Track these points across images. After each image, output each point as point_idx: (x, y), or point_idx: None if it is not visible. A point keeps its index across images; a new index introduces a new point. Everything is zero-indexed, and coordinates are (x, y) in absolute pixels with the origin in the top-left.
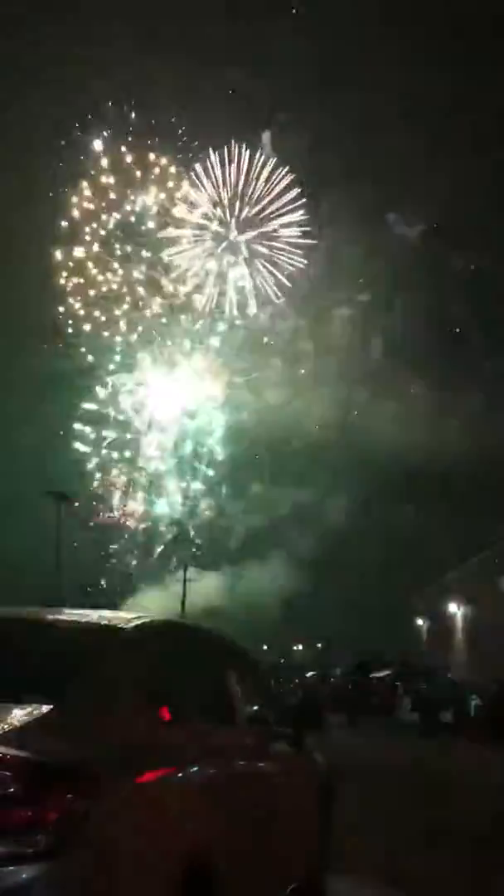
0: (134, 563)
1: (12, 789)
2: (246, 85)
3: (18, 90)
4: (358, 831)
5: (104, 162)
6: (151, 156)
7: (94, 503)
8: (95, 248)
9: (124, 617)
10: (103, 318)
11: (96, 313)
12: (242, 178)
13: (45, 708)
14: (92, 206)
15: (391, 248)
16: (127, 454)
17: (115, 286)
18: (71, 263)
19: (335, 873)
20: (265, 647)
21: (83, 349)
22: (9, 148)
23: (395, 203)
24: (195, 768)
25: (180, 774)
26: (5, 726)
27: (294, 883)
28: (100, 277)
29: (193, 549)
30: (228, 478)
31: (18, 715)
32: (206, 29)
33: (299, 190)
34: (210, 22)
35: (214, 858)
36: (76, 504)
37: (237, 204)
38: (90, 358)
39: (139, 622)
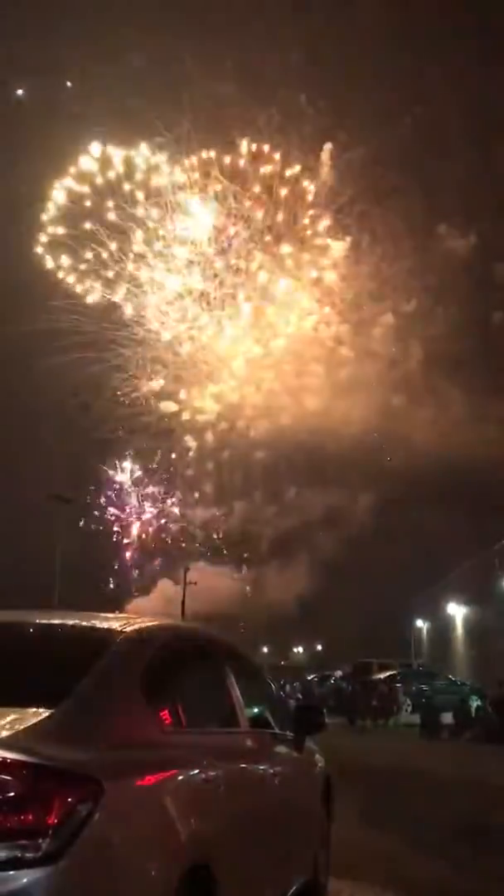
0: (136, 571)
1: (13, 793)
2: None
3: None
4: (359, 833)
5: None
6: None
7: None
8: None
9: (124, 619)
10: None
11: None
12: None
13: (45, 712)
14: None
15: (434, 258)
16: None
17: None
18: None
19: (337, 875)
20: (265, 650)
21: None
22: None
23: (440, 215)
24: (196, 771)
25: (181, 778)
26: (5, 730)
27: (296, 885)
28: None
29: (198, 545)
30: (263, 481)
31: (18, 719)
32: (263, 54)
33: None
34: (266, 46)
35: (217, 861)
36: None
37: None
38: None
39: (139, 625)
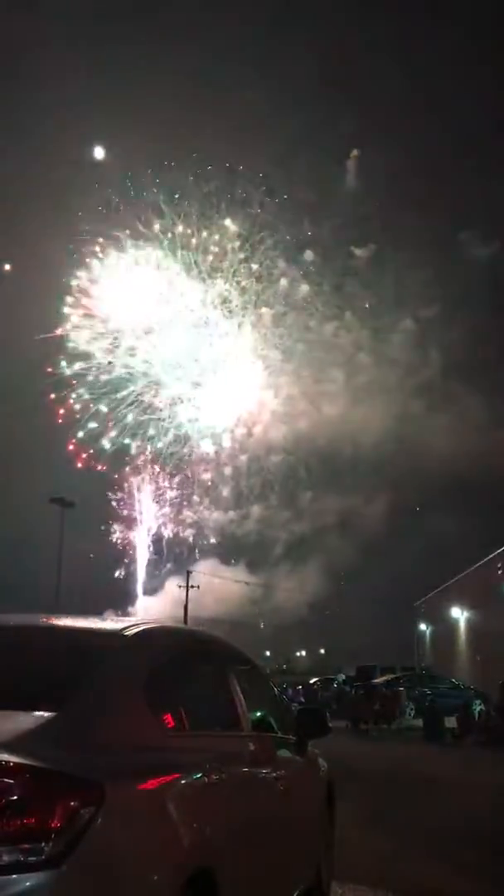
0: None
1: (16, 797)
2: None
3: None
4: (362, 836)
5: None
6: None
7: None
8: None
9: (127, 622)
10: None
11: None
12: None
13: (48, 715)
14: None
15: (454, 265)
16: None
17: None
18: None
19: (339, 878)
20: (268, 653)
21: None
22: None
23: (461, 223)
24: (199, 775)
25: (184, 781)
26: (8, 733)
27: (299, 889)
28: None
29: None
30: (279, 486)
31: (21, 722)
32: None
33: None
34: (298, 60)
35: (219, 866)
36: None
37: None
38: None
39: (141, 628)
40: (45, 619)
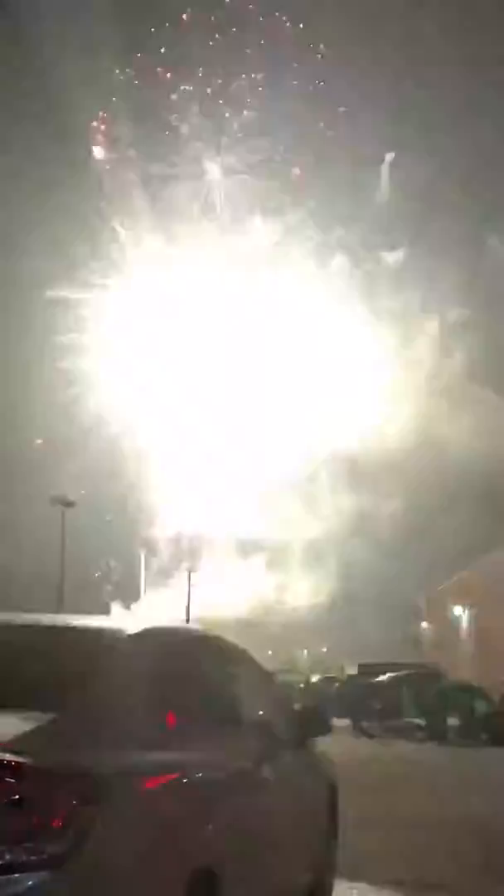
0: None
1: (17, 796)
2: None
3: None
4: (363, 835)
5: None
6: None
7: None
8: None
9: (128, 622)
10: None
11: None
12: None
13: (49, 714)
14: None
15: (482, 264)
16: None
17: None
18: None
19: (341, 877)
20: (270, 652)
21: None
22: None
23: (491, 228)
24: (201, 774)
25: (185, 781)
26: (10, 733)
27: (301, 888)
28: None
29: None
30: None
31: (23, 721)
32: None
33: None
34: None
35: (221, 865)
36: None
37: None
38: None
39: (143, 627)
40: (47, 618)
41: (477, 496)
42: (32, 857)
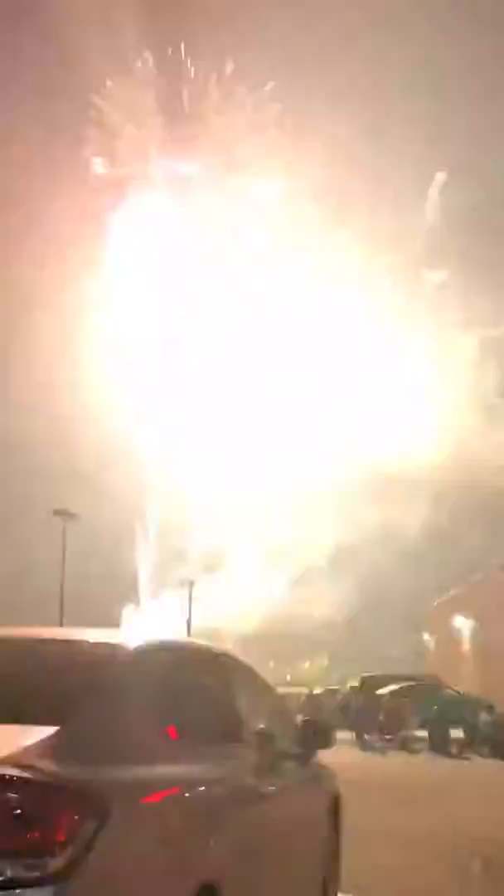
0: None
1: (19, 811)
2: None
3: None
4: (366, 848)
5: None
6: None
7: None
8: None
9: (129, 636)
10: None
11: None
12: None
13: (51, 728)
14: None
15: None
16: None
17: None
18: None
19: (344, 891)
20: (271, 664)
21: None
22: None
23: None
24: (203, 788)
25: (188, 795)
26: (12, 748)
27: None
28: None
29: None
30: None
31: (24, 736)
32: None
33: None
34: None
35: (224, 880)
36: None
37: None
38: None
39: (145, 641)
40: (48, 632)
41: (490, 510)
42: (35, 873)
